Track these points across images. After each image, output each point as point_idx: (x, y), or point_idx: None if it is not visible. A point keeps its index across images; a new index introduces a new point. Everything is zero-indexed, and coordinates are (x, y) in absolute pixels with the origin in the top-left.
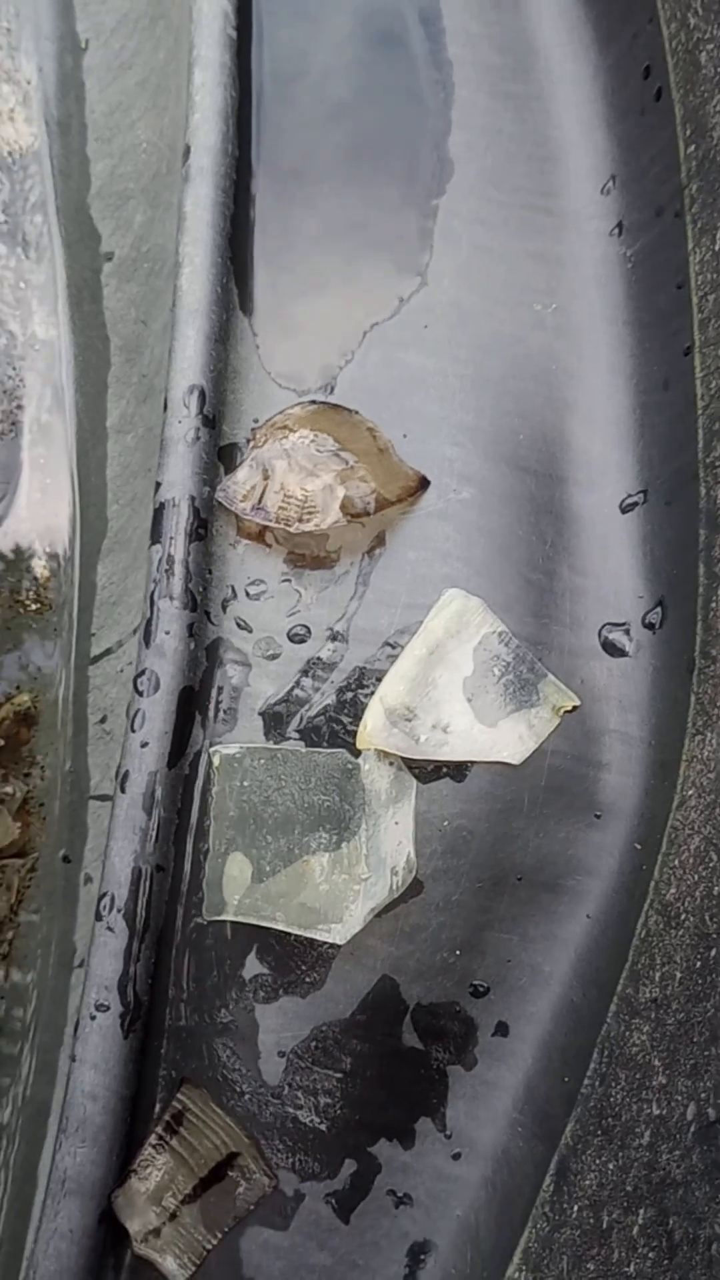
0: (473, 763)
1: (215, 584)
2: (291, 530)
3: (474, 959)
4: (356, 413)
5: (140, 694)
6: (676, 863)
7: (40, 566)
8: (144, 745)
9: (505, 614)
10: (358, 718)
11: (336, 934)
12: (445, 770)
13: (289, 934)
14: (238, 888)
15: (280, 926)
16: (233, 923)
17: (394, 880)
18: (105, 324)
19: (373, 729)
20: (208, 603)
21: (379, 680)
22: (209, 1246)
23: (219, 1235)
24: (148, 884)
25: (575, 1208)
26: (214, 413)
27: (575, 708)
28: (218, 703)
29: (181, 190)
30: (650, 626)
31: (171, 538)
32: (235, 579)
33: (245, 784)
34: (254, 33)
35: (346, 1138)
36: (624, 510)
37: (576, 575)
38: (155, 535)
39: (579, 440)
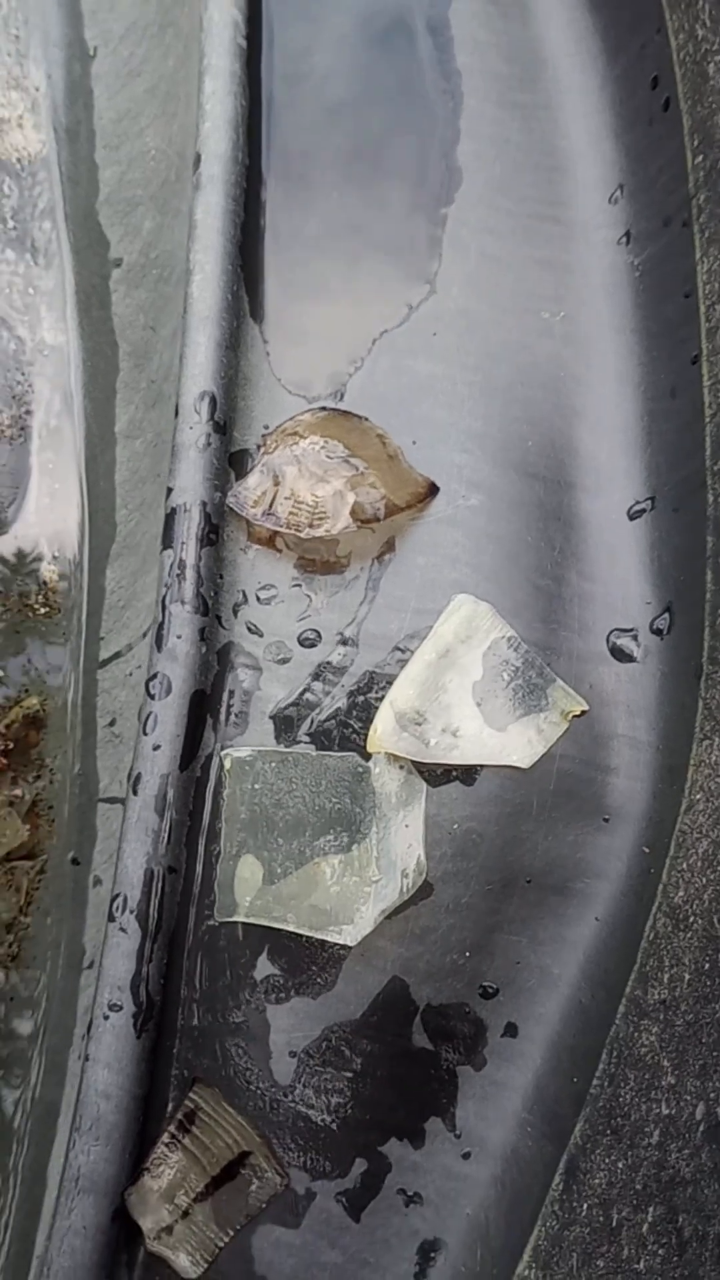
0: (482, 766)
1: (226, 589)
2: (302, 535)
3: (483, 961)
4: (366, 419)
5: (152, 697)
6: (685, 866)
7: (49, 570)
8: (156, 748)
9: (514, 619)
10: (368, 722)
11: (347, 935)
12: (455, 774)
13: (300, 935)
14: (249, 889)
15: (291, 928)
16: (244, 924)
17: (404, 882)
18: (114, 330)
19: (383, 733)
20: (219, 607)
21: (389, 685)
22: (221, 1244)
23: (231, 1233)
24: (160, 885)
25: (585, 1206)
26: (225, 419)
27: (584, 712)
28: (229, 706)
29: (192, 198)
30: (658, 632)
31: (183, 542)
32: (246, 584)
33: (256, 787)
34: (264, 42)
35: (357, 1137)
36: (632, 517)
37: (585, 581)
38: (167, 540)
39: (587, 447)
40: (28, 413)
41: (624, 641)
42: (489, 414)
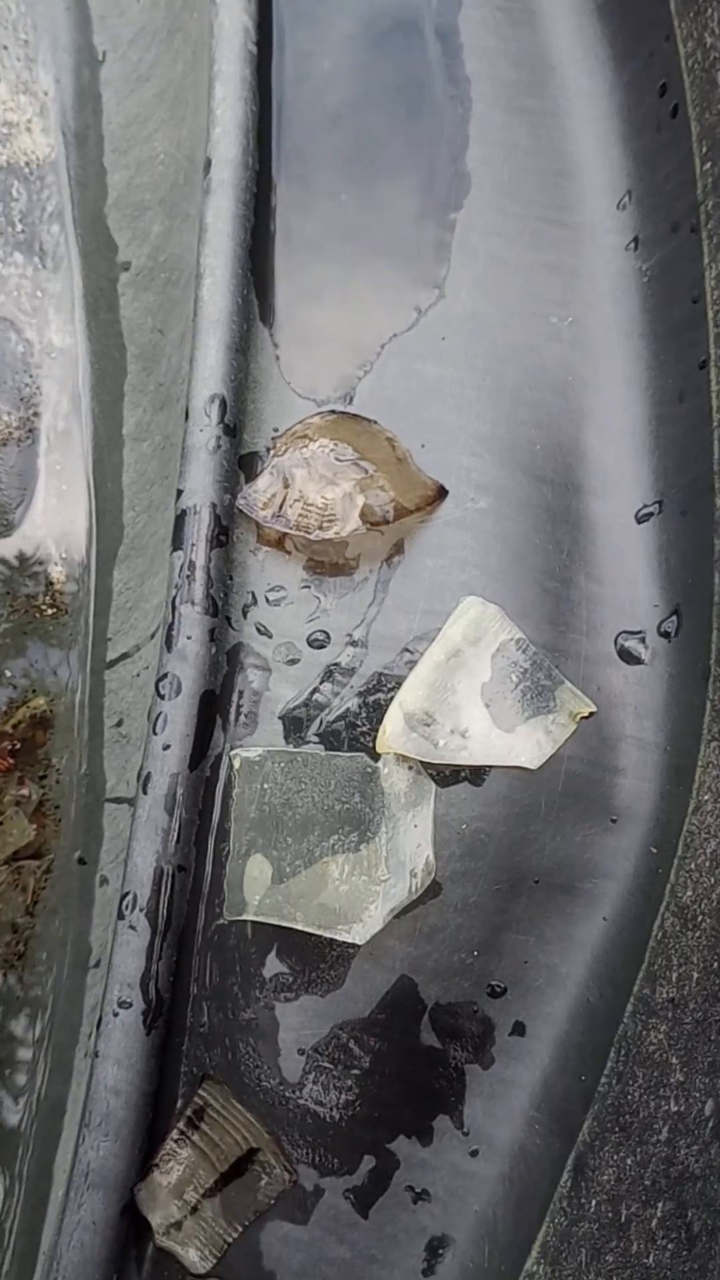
0: (490, 767)
1: (236, 590)
2: (311, 538)
3: (491, 959)
4: (375, 422)
5: (162, 697)
6: (693, 866)
7: (57, 572)
8: (166, 748)
9: (522, 621)
10: (376, 722)
11: (356, 934)
12: (463, 774)
13: (309, 934)
14: (258, 888)
15: (300, 926)
16: (253, 922)
17: (413, 882)
18: (122, 332)
19: (392, 733)
20: (228, 608)
21: (398, 686)
22: (230, 1239)
23: (240, 1228)
24: (169, 883)
25: (593, 1202)
26: (235, 421)
27: (592, 714)
28: (238, 706)
29: (202, 203)
30: (666, 635)
31: (193, 544)
32: (256, 585)
33: (266, 786)
34: (274, 47)
35: (365, 1134)
36: (639, 520)
37: (593, 584)
38: (177, 541)
39: (595, 451)
40: (35, 415)
41: (632, 644)
42: (497, 417)
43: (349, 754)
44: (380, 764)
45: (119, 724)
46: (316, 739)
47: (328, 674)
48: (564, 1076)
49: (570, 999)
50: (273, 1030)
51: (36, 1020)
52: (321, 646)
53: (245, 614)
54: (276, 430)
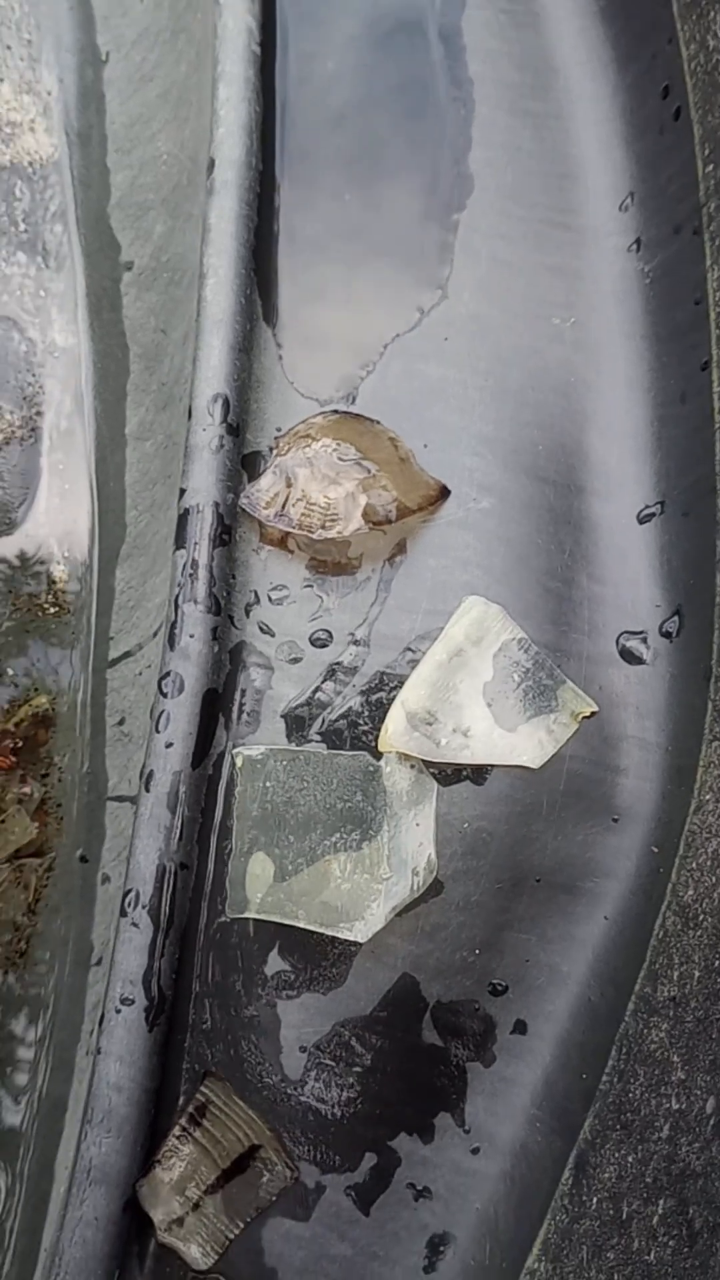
0: (492, 766)
1: (238, 589)
2: (314, 537)
3: (493, 958)
4: (378, 422)
5: (165, 695)
6: (694, 865)
7: (59, 571)
8: (168, 746)
9: (524, 621)
10: (379, 721)
11: (358, 932)
12: (465, 773)
13: (311, 932)
14: (260, 886)
15: (302, 924)
16: (255, 920)
17: (415, 880)
18: (125, 332)
19: (394, 732)
20: (231, 607)
21: (400, 685)
22: (231, 1236)
23: (241, 1225)
24: (172, 881)
25: (594, 1200)
26: (238, 421)
27: (593, 714)
28: (241, 705)
29: (206, 203)
30: (667, 635)
31: (196, 543)
32: (258, 584)
33: (268, 785)
34: (277, 48)
35: (367, 1131)
36: (641, 521)
37: (595, 584)
38: (180, 540)
39: (597, 451)
40: (38, 414)
41: (633, 644)
42: (500, 418)
43: (351, 753)
44: (382, 763)
45: (121, 722)
46: (319, 737)
47: (330, 673)
48: (565, 1075)
49: (572, 997)
50: (274, 1027)
51: (38, 1018)
52: (324, 645)
53: (248, 613)
54: (279, 430)
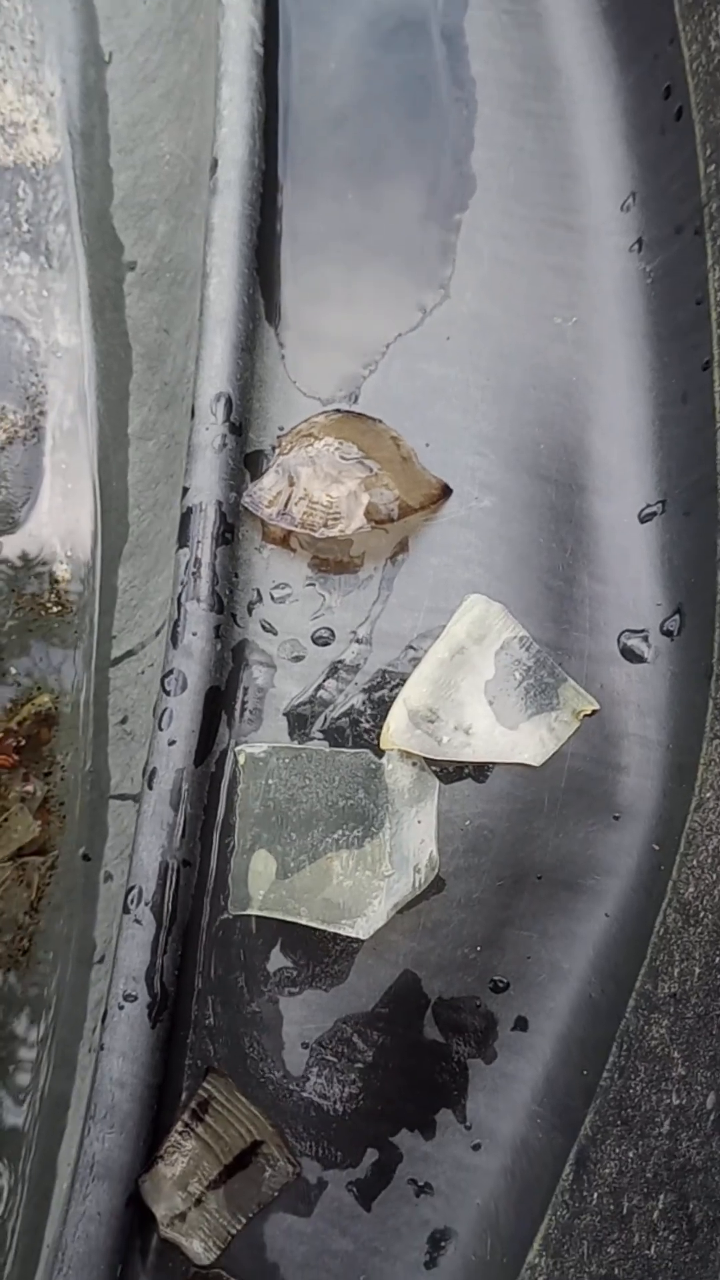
0: (494, 764)
1: (241, 587)
2: (316, 535)
3: (494, 955)
4: (380, 421)
5: (168, 693)
6: (695, 863)
7: (62, 570)
8: (171, 743)
9: (526, 619)
10: (380, 719)
11: (360, 929)
12: (467, 771)
13: (313, 929)
14: (263, 883)
15: (304, 921)
16: (258, 917)
17: (416, 877)
18: (127, 332)
19: (396, 730)
20: (234, 605)
21: (402, 683)
22: (234, 1231)
23: (243, 1220)
24: (174, 878)
25: (595, 1195)
26: (240, 420)
27: (595, 712)
28: (243, 703)
29: (209, 202)
30: (668, 634)
31: (199, 541)
32: (261, 583)
33: (270, 782)
34: (280, 48)
35: (368, 1127)
36: (643, 520)
37: (596, 583)
38: (182, 539)
39: (598, 451)
40: (41, 414)
41: (635, 642)
42: (501, 417)
43: (353, 750)
44: (384, 760)
45: (123, 721)
46: (321, 735)
47: (332, 671)
48: (566, 1071)
49: (573, 994)
50: (277, 1024)
51: (40, 1016)
52: (326, 643)
53: (250, 611)
54: (282, 429)
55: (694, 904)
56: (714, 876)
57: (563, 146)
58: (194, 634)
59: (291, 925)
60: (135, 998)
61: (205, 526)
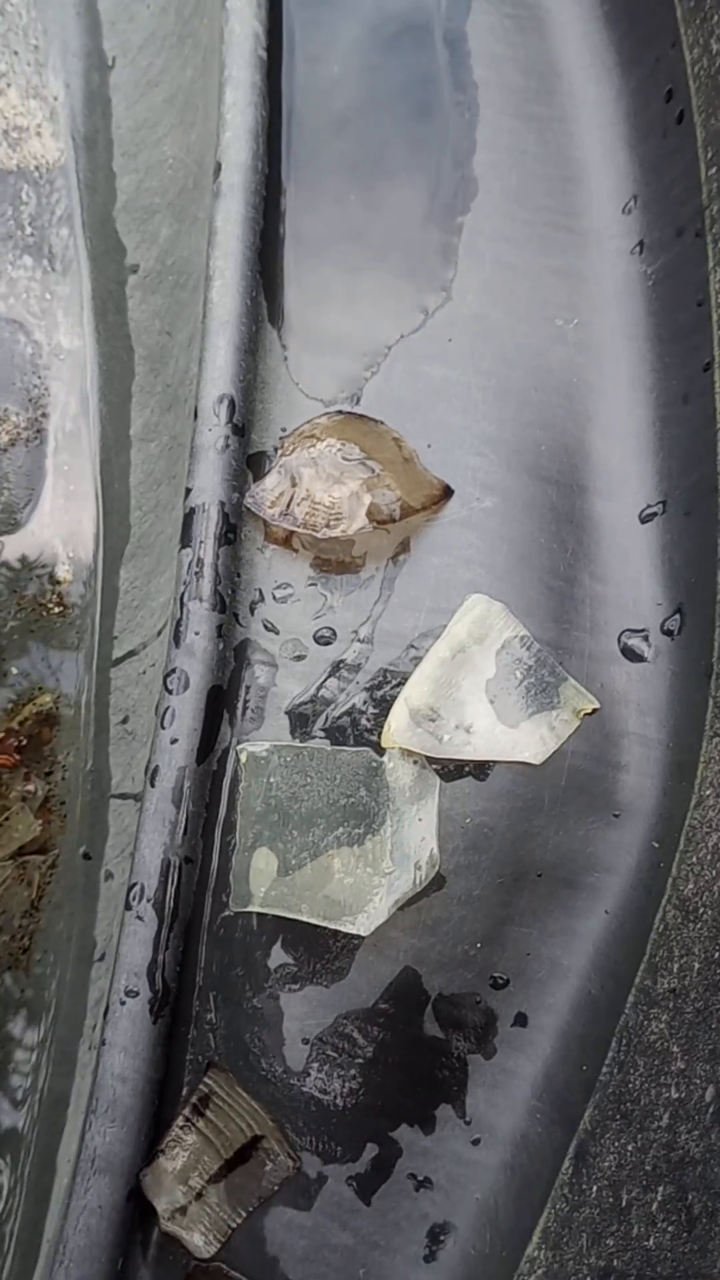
0: (494, 762)
1: (243, 587)
2: (318, 536)
3: (494, 952)
4: (382, 423)
5: (170, 692)
6: (694, 859)
7: (63, 571)
8: (174, 741)
9: (527, 619)
10: (382, 718)
11: (360, 926)
12: (468, 769)
13: (314, 926)
14: (264, 880)
15: (305, 918)
16: (259, 914)
17: (417, 875)
18: (130, 335)
19: (397, 728)
20: (236, 605)
21: (403, 681)
22: (234, 1225)
23: (244, 1214)
24: (176, 875)
25: (594, 1188)
26: (243, 421)
27: (595, 710)
28: (245, 701)
29: (212, 206)
30: (669, 633)
31: (201, 541)
32: (263, 582)
33: (272, 780)
34: (284, 53)
35: (368, 1122)
36: (643, 520)
37: (596, 583)
38: (185, 539)
39: (599, 452)
40: (44, 416)
41: (635, 642)
42: (503, 418)
43: (354, 749)
44: (385, 759)
45: (124, 721)
46: (322, 734)
47: (334, 670)
48: (566, 1066)
49: (572, 990)
50: (277, 1019)
51: (41, 1014)
52: (328, 643)
53: (253, 611)
54: (284, 430)
55: (693, 900)
56: (713, 873)
57: (565, 150)
58: (196, 633)
59: (292, 922)
60: (137, 993)
61: (208, 527)
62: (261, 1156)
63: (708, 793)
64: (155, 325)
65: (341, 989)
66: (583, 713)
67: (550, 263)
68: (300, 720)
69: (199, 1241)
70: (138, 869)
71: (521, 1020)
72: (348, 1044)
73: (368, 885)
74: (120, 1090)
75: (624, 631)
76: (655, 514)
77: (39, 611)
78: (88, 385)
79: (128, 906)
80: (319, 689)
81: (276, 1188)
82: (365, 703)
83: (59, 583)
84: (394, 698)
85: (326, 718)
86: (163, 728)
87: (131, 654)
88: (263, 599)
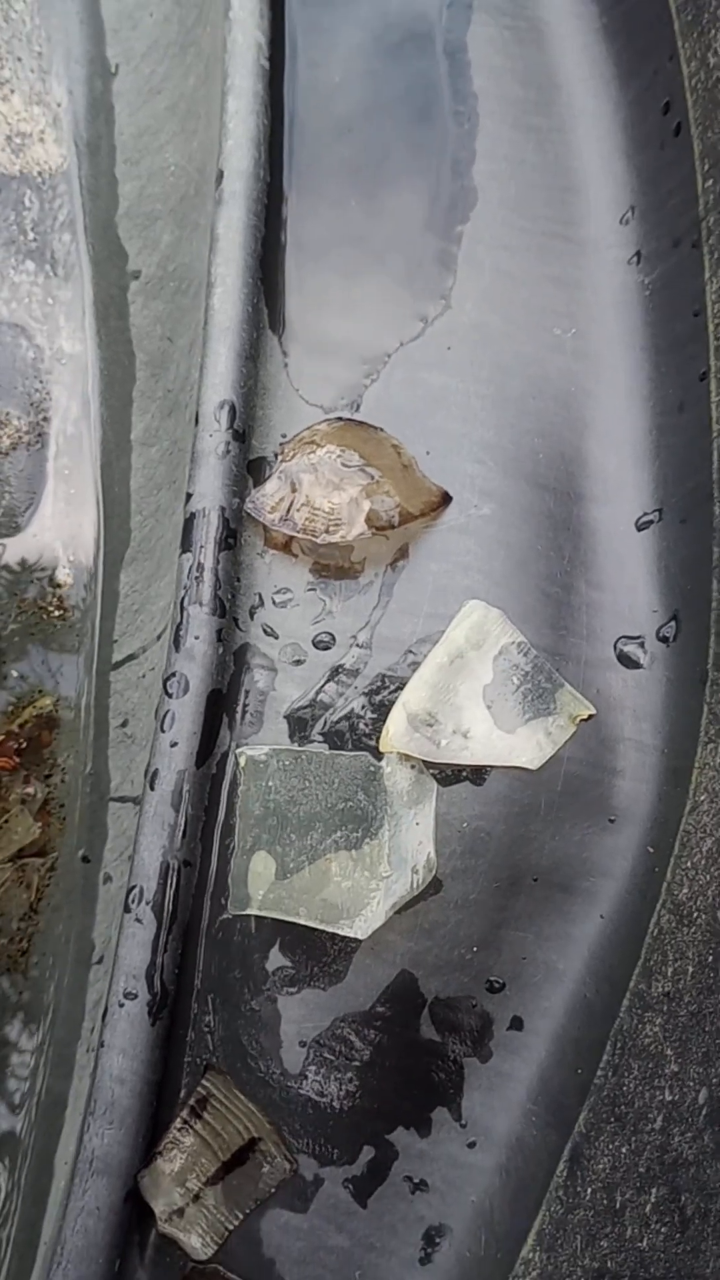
0: (491, 767)
1: (243, 592)
2: (318, 541)
3: (490, 955)
4: (381, 430)
5: (170, 695)
6: (689, 864)
7: (64, 574)
8: (173, 745)
9: (524, 625)
10: (380, 722)
11: (358, 929)
12: (465, 774)
13: (311, 929)
14: (262, 883)
15: (303, 921)
16: (257, 917)
17: (414, 878)
18: (131, 340)
19: (395, 733)
20: (236, 609)
21: (401, 687)
22: (231, 1226)
23: (241, 1216)
24: (175, 878)
25: (588, 1190)
26: (244, 427)
27: (591, 716)
28: (244, 705)
29: (214, 213)
30: (664, 640)
31: (201, 546)
32: (263, 587)
33: (271, 784)
34: (286, 62)
35: (365, 1125)
36: (640, 528)
37: (593, 589)
38: (186, 544)
39: (596, 459)
40: (45, 420)
41: (631, 648)
42: (501, 426)
43: (353, 753)
44: (383, 763)
45: (124, 724)
46: (321, 738)
47: (333, 675)
48: (561, 1070)
49: (568, 994)
50: (275, 1022)
51: (39, 1017)
52: (327, 648)
53: (252, 615)
54: (284, 436)
55: (687, 905)
56: (707, 878)
57: (563, 160)
58: (196, 637)
59: (290, 925)
60: (135, 996)
61: (208, 532)
62: (258, 1159)
63: (702, 798)
64: (157, 331)
65: (339, 992)
66: (579, 718)
67: (549, 272)
68: (299, 724)
69: (196, 1243)
70: (137, 872)
71: (517, 1024)
72: (345, 1047)
73: (365, 889)
74: (118, 1092)
75: (620, 638)
76: (651, 521)
77: (39, 615)
78: (89, 390)
79: (126, 909)
80: (318, 693)
81: (273, 1190)
82: (364, 707)
83: (59, 586)
84: (392, 703)
85: (325, 722)
86: (162, 731)
87: (131, 658)
88: (262, 604)
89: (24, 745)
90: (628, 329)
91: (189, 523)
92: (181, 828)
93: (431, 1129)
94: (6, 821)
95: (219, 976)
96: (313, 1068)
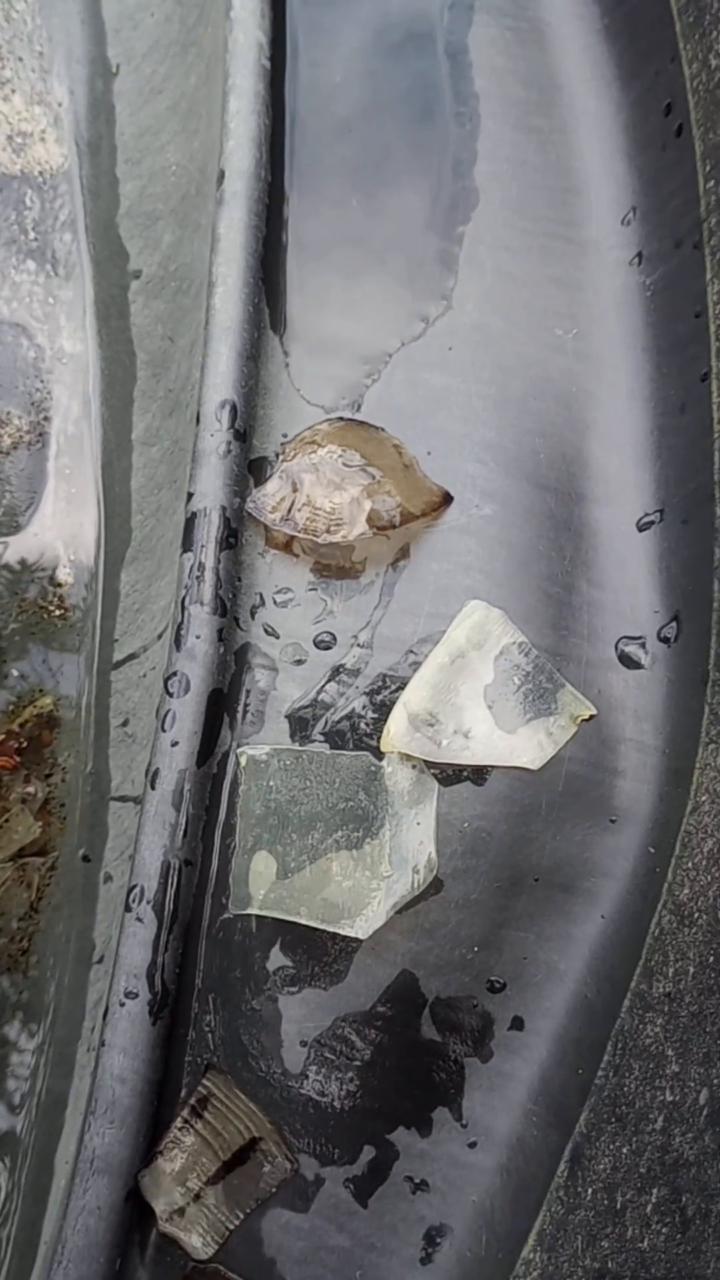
0: (492, 767)
1: (244, 591)
2: (319, 541)
3: (491, 955)
4: (382, 430)
5: (171, 695)
6: (690, 865)
7: (65, 574)
8: (174, 744)
9: (525, 625)
10: (381, 722)
11: (359, 929)
12: (466, 774)
13: (312, 928)
14: (263, 883)
15: (304, 921)
16: (258, 917)
17: (415, 878)
18: (132, 339)
19: (396, 733)
20: (237, 609)
21: (402, 686)
22: (232, 1226)
23: (241, 1215)
24: (176, 877)
25: (589, 1190)
26: (245, 427)
27: (592, 716)
28: (245, 705)
29: (215, 213)
30: (665, 640)
31: (203, 546)
32: (264, 587)
33: (272, 784)
34: (287, 62)
35: (365, 1125)
36: (641, 528)
37: (594, 590)
38: (187, 544)
39: (598, 460)
40: (46, 419)
41: (632, 649)
42: (502, 426)
43: (354, 753)
44: (384, 763)
45: (125, 724)
46: (322, 738)
47: (334, 674)
48: (562, 1070)
49: (569, 994)
50: (276, 1022)
51: (39, 1016)
52: (328, 647)
53: (253, 615)
54: (286, 436)
55: (688, 905)
56: (708, 879)
57: (564, 161)
58: (197, 637)
59: (291, 925)
60: (136, 995)
61: (209, 531)
62: (259, 1158)
63: (703, 799)
64: (158, 330)
65: (339, 992)
66: (580, 719)
67: (550, 272)
68: (300, 724)
69: (197, 1243)
70: (137, 871)
71: (518, 1024)
72: (345, 1046)
73: (366, 888)
74: (119, 1091)
75: (621, 638)
76: (653, 522)
77: (40, 614)
78: (90, 389)
79: (127, 908)
80: (319, 693)
81: (274, 1189)
82: (365, 707)
83: (60, 585)
84: (393, 702)
85: (326, 722)
86: (163, 730)
87: (132, 657)
88: (263, 603)
89: (24, 744)
90: (629, 330)
91: (190, 522)
92: (182, 827)
93: (432, 1129)
94: (7, 821)
95: (220, 976)
96: (314, 1067)
